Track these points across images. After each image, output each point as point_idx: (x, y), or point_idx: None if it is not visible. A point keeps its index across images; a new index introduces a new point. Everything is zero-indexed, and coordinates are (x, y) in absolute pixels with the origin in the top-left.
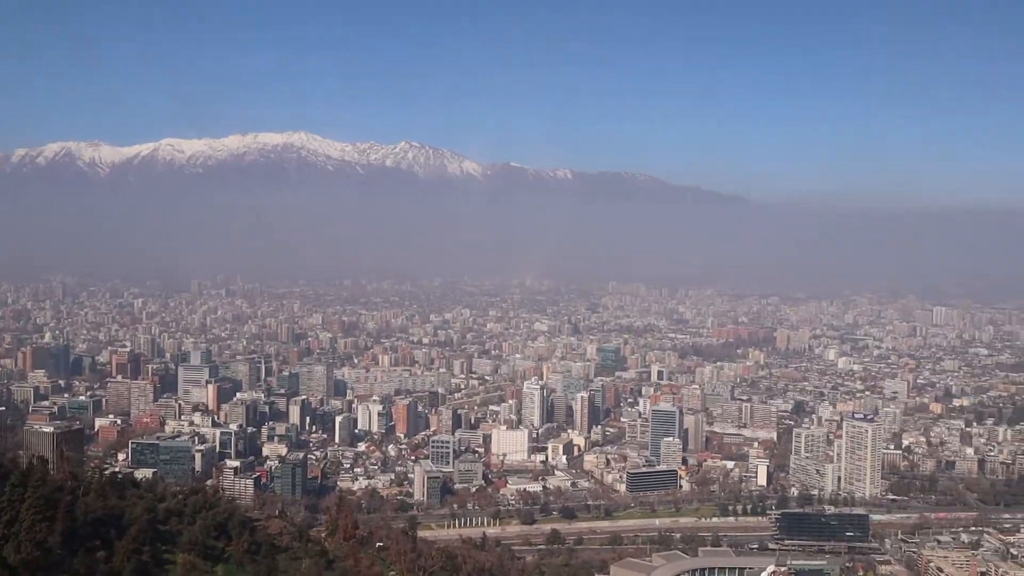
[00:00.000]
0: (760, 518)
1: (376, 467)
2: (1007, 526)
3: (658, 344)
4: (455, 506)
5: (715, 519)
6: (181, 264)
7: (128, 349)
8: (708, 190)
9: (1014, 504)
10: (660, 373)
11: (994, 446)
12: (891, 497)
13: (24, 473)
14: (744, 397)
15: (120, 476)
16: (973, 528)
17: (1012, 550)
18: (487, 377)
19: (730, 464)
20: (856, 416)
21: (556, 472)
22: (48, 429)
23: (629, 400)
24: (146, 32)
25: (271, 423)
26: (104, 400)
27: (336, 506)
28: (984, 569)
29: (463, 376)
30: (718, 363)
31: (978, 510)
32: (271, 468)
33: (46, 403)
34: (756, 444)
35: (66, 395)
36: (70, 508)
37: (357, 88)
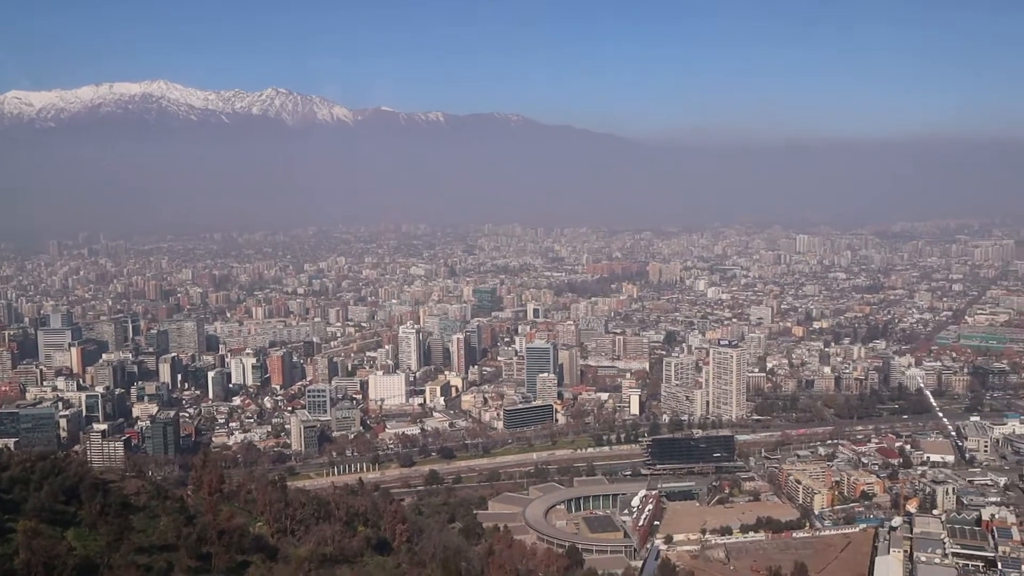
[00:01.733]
0: (633, 446)
1: (252, 420)
2: (859, 437)
3: (534, 283)
4: (333, 454)
5: (590, 450)
6: (37, 224)
7: None
8: (581, 129)
9: (866, 416)
10: (536, 311)
11: (849, 364)
12: (756, 418)
13: None
14: (618, 330)
15: None
16: (829, 441)
17: (863, 459)
18: (363, 324)
19: (604, 396)
20: (722, 343)
21: (434, 414)
22: None
23: (506, 339)
24: None
25: (140, 383)
26: None
27: (201, 462)
28: (838, 478)
29: (339, 325)
30: (592, 298)
31: (834, 424)
32: (141, 429)
33: None
34: (629, 375)
35: None
36: None
37: (218, 33)
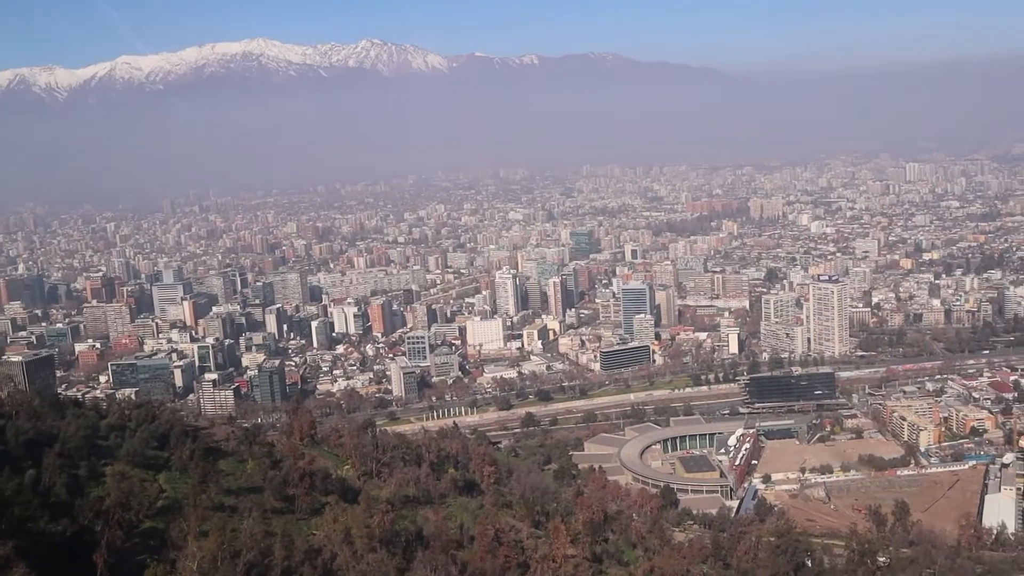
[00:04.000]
0: (732, 385)
1: (355, 368)
2: (971, 371)
3: (632, 224)
4: (433, 399)
5: (688, 390)
6: (152, 184)
7: (102, 273)
8: (677, 64)
9: (977, 350)
10: (634, 252)
11: (961, 295)
12: (860, 354)
13: None
14: (717, 269)
15: (61, 397)
16: (938, 377)
17: (974, 394)
18: (462, 271)
19: (702, 335)
20: (822, 278)
21: (532, 358)
22: (16, 358)
23: (603, 281)
24: None
25: (248, 334)
26: (82, 326)
27: (293, 408)
28: (946, 414)
29: (438, 272)
30: (691, 237)
31: (943, 359)
32: (250, 377)
33: (24, 333)
34: (728, 314)
35: (44, 324)
36: None
37: None
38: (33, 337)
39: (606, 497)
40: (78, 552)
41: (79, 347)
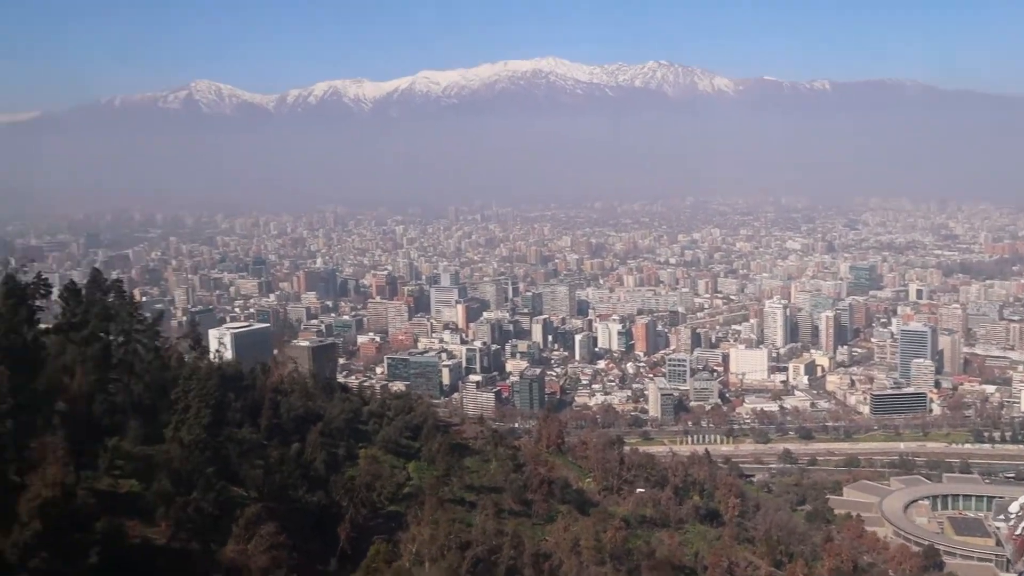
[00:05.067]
0: (1021, 446)
1: (613, 384)
2: None
3: (920, 262)
4: (688, 423)
5: (967, 446)
6: (440, 191)
7: (387, 272)
8: (983, 93)
9: None
10: (919, 292)
11: None
12: None
13: (193, 368)
14: (1015, 318)
15: (332, 382)
16: None
17: None
18: (732, 297)
19: (990, 388)
20: None
21: (796, 392)
22: (304, 344)
23: (882, 320)
24: None
25: (514, 341)
26: (365, 319)
27: (544, 416)
28: None
29: (707, 296)
30: (988, 281)
31: None
32: (512, 383)
33: (315, 322)
34: (1022, 368)
35: (333, 315)
36: (275, 406)
37: (603, 9)
38: (323, 326)
39: (859, 547)
40: (326, 523)
41: (361, 339)
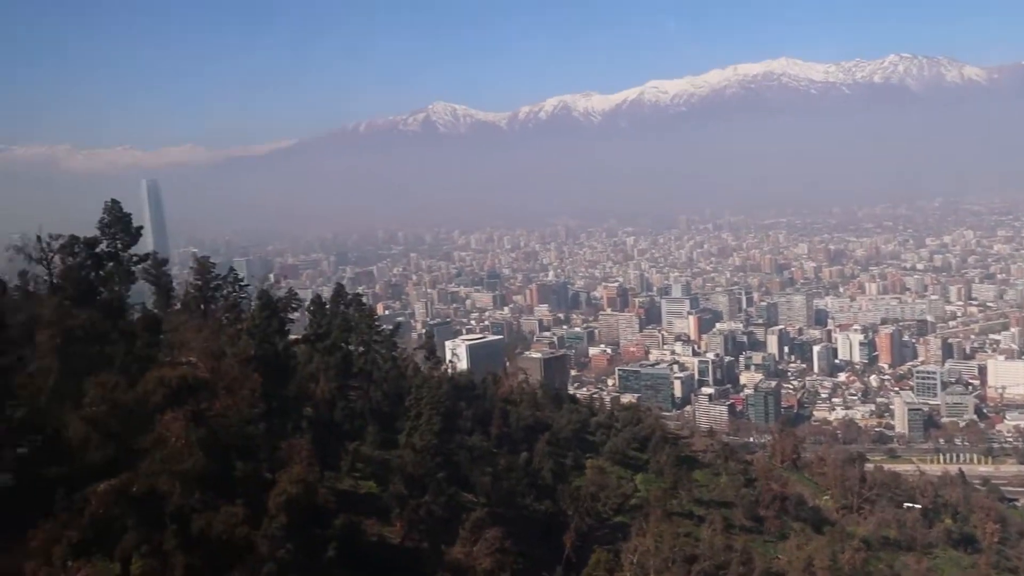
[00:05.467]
0: None
1: (855, 398)
2: None
3: None
4: (940, 441)
5: None
6: (670, 201)
7: (618, 284)
8: None
9: None
10: None
11: None
12: None
13: (425, 378)
14: None
15: (560, 392)
16: None
17: None
18: (989, 304)
19: None
20: None
21: None
22: (536, 355)
23: None
24: None
25: (748, 352)
26: (596, 331)
27: (778, 431)
28: None
29: (960, 303)
30: None
31: None
32: (746, 396)
33: (547, 334)
34: None
35: (564, 327)
36: (504, 415)
37: (837, 4)
38: (555, 338)
39: None
40: (552, 530)
41: (592, 351)
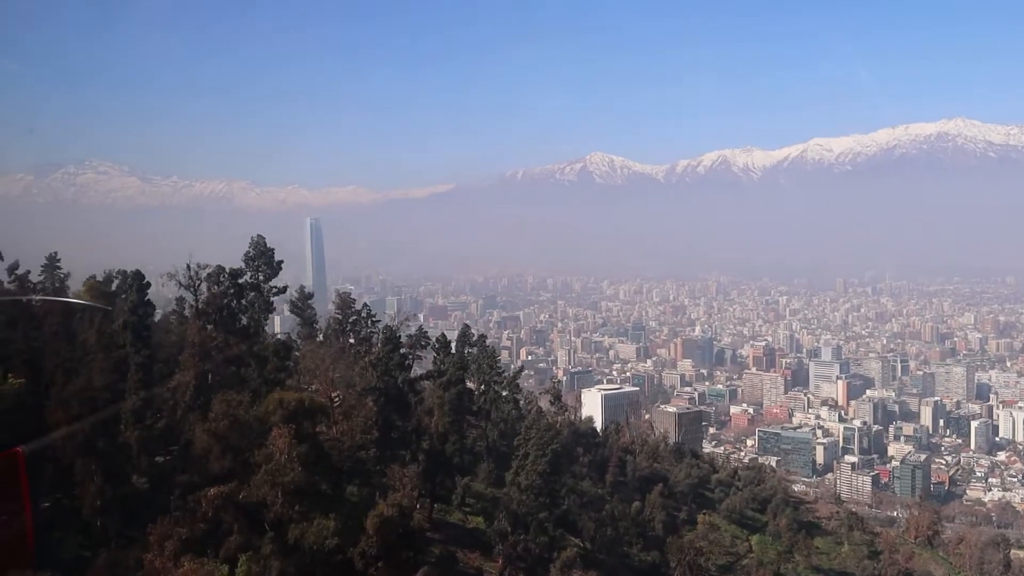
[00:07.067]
0: None
1: (1015, 479)
2: None
3: None
4: None
5: None
6: (828, 262)
7: (766, 343)
8: None
9: None
10: None
11: None
12: None
13: (534, 419)
14: None
15: (680, 446)
16: None
17: None
18: None
19: None
20: None
21: None
22: (671, 410)
23: None
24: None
25: (899, 423)
26: (740, 390)
27: (917, 504)
28: None
29: None
30: None
31: None
32: (892, 468)
33: (688, 389)
34: None
35: (707, 383)
36: (621, 464)
37: (1019, 64)
38: (696, 394)
39: None
40: None
41: (733, 409)
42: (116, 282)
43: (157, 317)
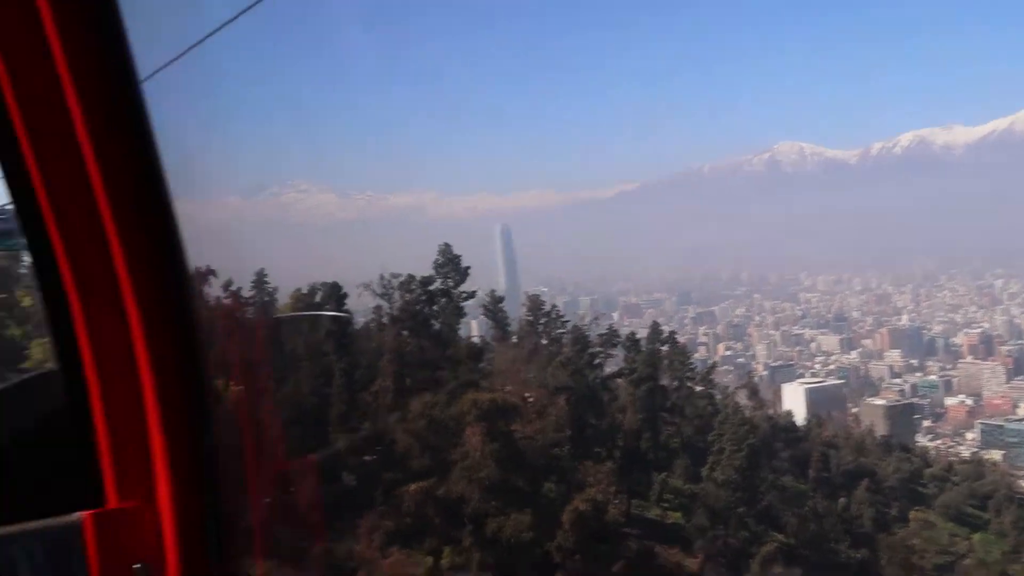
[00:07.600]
0: None
1: None
2: None
3: None
4: None
5: None
6: None
7: (982, 330)
8: None
9: None
10: None
11: None
12: None
13: (728, 414)
14: None
15: (888, 439)
16: None
17: None
18: None
19: None
20: None
21: None
22: (879, 403)
23: None
24: None
25: None
26: (955, 380)
27: None
28: None
29: None
30: None
31: None
32: None
33: (897, 381)
34: None
35: (918, 374)
36: (824, 459)
37: None
38: (906, 385)
39: None
40: None
41: (948, 401)
42: (319, 294)
43: (358, 326)
